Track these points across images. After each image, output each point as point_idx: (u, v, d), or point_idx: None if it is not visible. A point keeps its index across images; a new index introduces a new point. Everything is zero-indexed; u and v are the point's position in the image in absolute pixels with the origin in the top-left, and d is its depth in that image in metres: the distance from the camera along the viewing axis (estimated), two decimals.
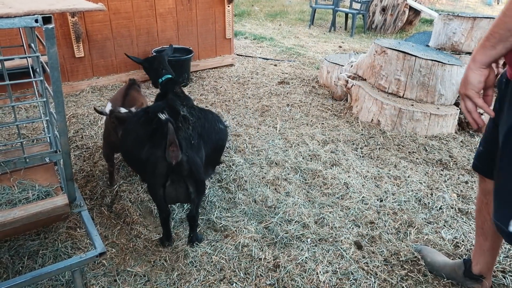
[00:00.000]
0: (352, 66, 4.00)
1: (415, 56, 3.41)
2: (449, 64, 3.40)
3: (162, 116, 1.87)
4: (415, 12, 8.45)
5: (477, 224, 1.72)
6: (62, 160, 1.60)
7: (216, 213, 2.29)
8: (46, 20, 1.26)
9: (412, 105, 3.42)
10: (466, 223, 2.31)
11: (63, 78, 4.01)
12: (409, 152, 3.11)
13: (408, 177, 2.75)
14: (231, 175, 2.67)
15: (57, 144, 1.68)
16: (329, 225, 2.21)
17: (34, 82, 1.79)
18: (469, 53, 4.04)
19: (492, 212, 1.37)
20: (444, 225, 2.27)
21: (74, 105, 3.70)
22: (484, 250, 1.72)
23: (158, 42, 4.49)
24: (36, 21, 1.23)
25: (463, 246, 2.09)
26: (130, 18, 4.25)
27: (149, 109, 2.08)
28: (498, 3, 12.81)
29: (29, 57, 1.47)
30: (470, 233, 2.22)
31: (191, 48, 4.53)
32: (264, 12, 10.21)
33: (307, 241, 2.08)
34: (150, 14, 4.37)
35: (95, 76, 4.23)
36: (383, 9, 8.43)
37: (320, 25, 9.10)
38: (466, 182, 2.75)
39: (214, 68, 5.02)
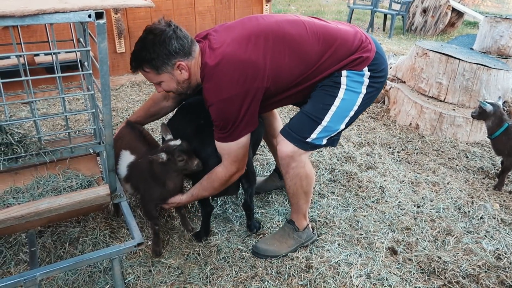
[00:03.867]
0: (391, 68, 3.91)
1: (459, 59, 3.29)
2: (495, 69, 3.26)
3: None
4: (458, 14, 8.16)
5: None
6: (105, 151, 1.65)
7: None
8: (98, 15, 1.30)
9: (454, 109, 3.30)
10: (509, 234, 2.21)
11: None
12: (448, 158, 3.01)
13: (448, 184, 2.66)
14: (264, 173, 2.67)
15: (101, 135, 1.73)
16: (363, 229, 2.17)
17: (81, 75, 1.86)
18: None
19: None
20: (485, 236, 2.18)
21: (114, 99, 3.81)
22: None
23: None
24: (89, 16, 1.28)
25: (506, 258, 2.00)
26: (170, 15, 4.32)
27: (191, 104, 2.11)
28: None
29: (79, 51, 1.52)
30: None
31: None
32: (300, 12, 10.15)
33: (340, 244, 2.06)
34: (190, 12, 4.44)
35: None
36: (424, 11, 8.19)
37: (357, 26, 8.94)
38: (510, 192, 2.63)
39: None
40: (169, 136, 1.90)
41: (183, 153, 1.77)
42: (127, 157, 1.97)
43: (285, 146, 1.78)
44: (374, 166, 2.82)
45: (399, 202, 2.43)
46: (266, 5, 4.92)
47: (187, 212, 2.26)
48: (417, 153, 3.05)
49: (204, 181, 1.86)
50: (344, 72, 1.72)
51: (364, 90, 1.76)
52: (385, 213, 2.31)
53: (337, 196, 2.46)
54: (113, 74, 4.23)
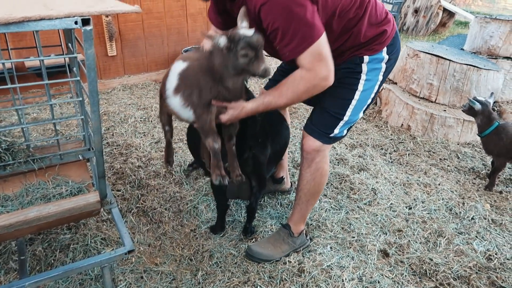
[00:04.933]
0: None
1: (449, 60, 3.31)
2: (485, 69, 3.29)
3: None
4: (449, 14, 8.21)
5: None
6: (95, 157, 1.64)
7: (243, 214, 2.30)
8: (85, 22, 1.29)
9: (445, 110, 3.32)
10: (499, 235, 2.23)
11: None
12: (440, 159, 3.03)
13: (439, 184, 2.68)
14: None
15: (91, 142, 1.72)
16: (355, 231, 2.18)
17: (70, 81, 1.85)
18: (507, 58, 3.90)
19: None
20: (476, 236, 2.19)
21: (105, 103, 3.79)
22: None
23: (188, 42, 4.54)
24: (76, 23, 1.26)
25: (496, 259, 2.02)
26: (162, 18, 4.31)
27: None
28: None
29: (66, 57, 1.51)
30: (504, 245, 2.14)
31: None
32: None
33: (333, 247, 2.06)
34: (181, 14, 4.42)
35: (126, 75, 4.32)
36: (416, 11, 8.23)
37: None
38: (500, 192, 2.65)
39: None
40: (244, 24, 1.47)
41: (249, 47, 1.37)
42: (178, 67, 1.62)
43: (311, 141, 1.80)
44: (366, 167, 2.83)
45: (391, 204, 2.44)
46: None
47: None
48: (408, 154, 3.07)
49: (283, 86, 1.54)
50: (366, 58, 1.67)
51: (381, 77, 1.76)
52: (377, 215, 2.32)
53: (329, 198, 2.46)
54: (105, 77, 4.20)
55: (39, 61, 1.53)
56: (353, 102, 1.73)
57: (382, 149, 3.13)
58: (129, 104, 3.75)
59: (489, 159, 2.97)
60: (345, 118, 1.75)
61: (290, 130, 2.28)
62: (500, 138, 2.53)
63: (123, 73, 4.31)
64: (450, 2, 8.19)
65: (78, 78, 1.58)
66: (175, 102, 1.60)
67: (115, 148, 2.95)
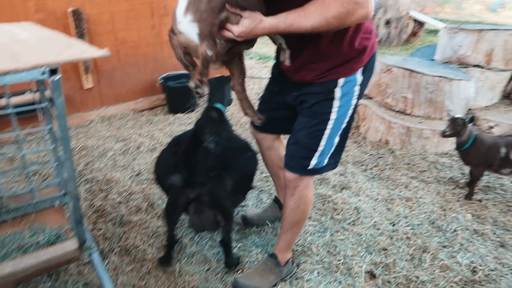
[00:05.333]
0: None
1: (421, 73, 3.39)
2: (457, 80, 3.38)
3: (175, 181, 1.90)
4: (419, 23, 8.44)
5: None
6: (71, 203, 1.61)
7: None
8: (53, 71, 1.28)
9: (421, 122, 3.39)
10: (482, 245, 2.26)
11: (72, 109, 4.08)
12: (419, 171, 3.07)
13: (420, 198, 2.71)
14: (241, 204, 2.66)
15: (66, 186, 1.70)
16: (341, 254, 2.18)
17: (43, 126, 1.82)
18: (477, 66, 4.01)
19: None
20: (460, 249, 2.22)
21: (83, 136, 3.75)
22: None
23: (165, 69, 4.55)
24: (44, 73, 1.26)
25: (481, 271, 2.04)
26: (137, 47, 4.32)
27: (181, 138, 2.16)
28: (503, 10, 12.74)
29: (36, 108, 1.49)
30: (487, 256, 2.17)
31: None
32: None
33: (319, 272, 2.05)
34: (157, 41, 4.44)
35: (104, 106, 4.29)
36: (387, 22, 8.44)
37: None
38: (480, 201, 2.70)
39: None
40: None
41: None
42: None
43: (290, 173, 1.82)
44: (348, 186, 2.85)
45: (375, 221, 2.45)
46: None
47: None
48: (389, 168, 3.11)
49: (311, 6, 1.33)
50: (340, 81, 1.62)
51: (354, 101, 1.71)
52: (361, 235, 2.33)
53: (314, 221, 2.47)
54: (82, 110, 4.16)
55: (10, 113, 1.51)
56: (326, 131, 1.71)
57: (362, 165, 3.17)
58: (108, 137, 3.71)
59: (466, 168, 3.03)
60: (320, 148, 1.74)
61: (257, 159, 2.28)
62: (477, 149, 2.58)
63: (100, 104, 4.28)
64: (420, 12, 8.43)
65: (50, 125, 1.56)
66: (185, 24, 1.43)
67: (95, 184, 2.90)
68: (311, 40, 1.55)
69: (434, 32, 9.35)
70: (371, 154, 3.32)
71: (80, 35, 3.86)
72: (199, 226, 2.02)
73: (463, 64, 4.08)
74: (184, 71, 4.54)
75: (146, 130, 3.86)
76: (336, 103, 1.68)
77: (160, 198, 2.71)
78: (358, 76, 1.66)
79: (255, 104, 1.97)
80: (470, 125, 2.59)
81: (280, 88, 1.91)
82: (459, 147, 2.65)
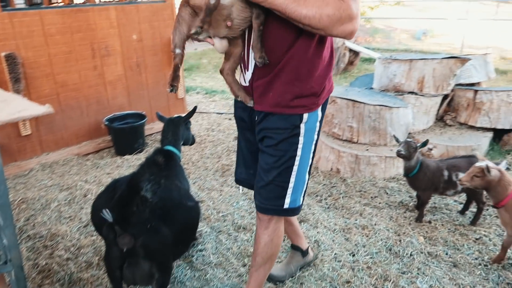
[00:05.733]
0: None
1: (363, 103, 3.57)
2: (396, 107, 3.59)
3: (107, 217, 1.77)
4: (355, 53, 8.97)
5: None
6: (13, 272, 1.46)
7: None
8: None
9: (367, 149, 3.53)
10: (437, 267, 2.34)
11: (9, 159, 3.79)
12: (371, 197, 3.17)
13: (375, 224, 2.78)
14: (198, 247, 2.57)
15: (7, 255, 1.54)
16: None
17: None
18: (411, 92, 4.29)
19: None
20: (418, 273, 2.28)
21: (23, 187, 3.48)
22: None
23: (110, 110, 4.40)
24: None
25: None
26: (79, 89, 4.16)
27: (118, 183, 2.05)
28: (426, 37, 13.94)
29: None
30: (444, 277, 2.25)
31: (143, 113, 4.47)
32: (212, 64, 10.42)
33: None
34: (99, 82, 4.31)
35: (44, 153, 4.03)
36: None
37: None
38: (430, 222, 2.82)
39: None
40: None
41: None
42: None
43: (265, 216, 1.81)
44: (306, 218, 2.86)
45: (335, 253, 2.47)
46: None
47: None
48: (342, 197, 3.18)
49: None
50: (305, 117, 1.63)
51: (315, 136, 1.74)
52: (324, 269, 2.33)
53: (277, 259, 2.43)
54: (20, 158, 3.88)
55: None
56: (295, 168, 1.70)
57: (317, 195, 3.22)
58: (50, 186, 3.47)
59: (413, 191, 3.17)
60: (291, 185, 1.72)
61: (200, 209, 2.22)
62: (424, 174, 2.72)
63: (40, 151, 4.02)
64: (353, 42, 8.97)
65: None
66: None
67: (38, 241, 2.68)
68: (285, 55, 1.55)
69: (369, 60, 9.97)
70: (324, 184, 3.38)
71: (16, 80, 3.65)
72: (131, 279, 1.85)
73: (399, 91, 4.35)
74: (130, 111, 4.44)
75: (93, 176, 3.67)
76: (301, 140, 1.68)
77: None
78: (319, 113, 1.69)
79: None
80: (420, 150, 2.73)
81: (251, 131, 1.84)
82: (407, 173, 2.77)
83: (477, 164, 2.29)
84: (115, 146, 4.31)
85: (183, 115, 2.64)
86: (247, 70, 1.65)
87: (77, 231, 2.80)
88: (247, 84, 1.68)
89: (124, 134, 4.21)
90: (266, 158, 1.72)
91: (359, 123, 3.62)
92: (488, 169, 2.22)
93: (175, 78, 1.63)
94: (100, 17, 4.19)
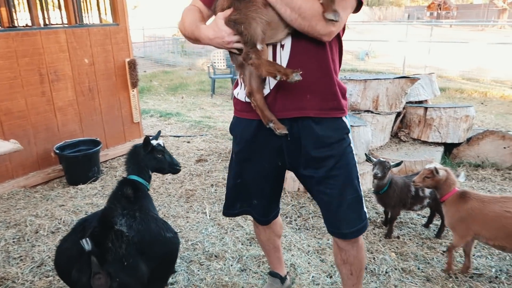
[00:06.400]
0: None
1: None
2: (356, 126, 3.68)
3: (85, 246, 1.62)
4: None
5: None
6: None
7: None
8: None
9: None
10: (412, 282, 2.37)
11: None
12: None
13: None
14: (169, 281, 2.41)
15: None
16: None
17: None
18: (367, 111, 4.44)
19: None
20: None
21: None
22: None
23: (60, 137, 4.12)
24: None
25: None
26: (25, 116, 3.86)
27: (86, 223, 1.87)
28: (369, 58, 14.73)
29: None
30: None
31: (98, 139, 4.24)
32: (164, 86, 10.25)
33: None
34: (48, 109, 4.03)
35: None
36: None
37: (221, 93, 9.39)
38: (398, 237, 2.87)
39: (124, 155, 4.73)
40: None
41: None
42: None
43: (351, 246, 1.73)
44: None
45: (313, 277, 2.42)
46: (133, 91, 4.79)
47: None
48: (312, 217, 3.16)
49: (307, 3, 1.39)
50: (345, 119, 1.62)
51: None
52: None
53: (254, 287, 2.34)
54: None
55: None
56: (358, 175, 1.67)
57: (287, 217, 3.18)
58: None
59: (380, 207, 3.23)
60: (361, 193, 1.68)
61: (179, 239, 2.08)
62: (394, 190, 2.78)
63: None
64: None
65: None
66: None
67: None
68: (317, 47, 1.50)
69: None
70: (292, 205, 3.36)
71: None
72: None
73: (355, 110, 4.49)
74: (83, 138, 4.19)
75: (43, 209, 3.38)
76: (352, 144, 1.66)
77: None
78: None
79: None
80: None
81: (257, 153, 1.71)
82: (378, 190, 2.82)
83: (427, 167, 2.48)
84: (67, 176, 4.03)
85: (155, 141, 2.50)
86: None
87: (30, 272, 2.54)
88: (268, 91, 1.55)
89: (77, 162, 3.94)
90: (334, 182, 1.61)
91: None
92: (436, 170, 2.42)
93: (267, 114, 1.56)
94: (48, 40, 3.96)
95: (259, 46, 1.41)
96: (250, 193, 1.84)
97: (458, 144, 4.39)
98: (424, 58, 10.79)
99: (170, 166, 2.49)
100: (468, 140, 4.34)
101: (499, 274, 2.42)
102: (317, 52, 1.50)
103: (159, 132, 2.61)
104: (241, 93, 1.66)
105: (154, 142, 2.44)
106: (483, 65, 10.94)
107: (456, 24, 20.10)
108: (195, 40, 1.56)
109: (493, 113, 7.00)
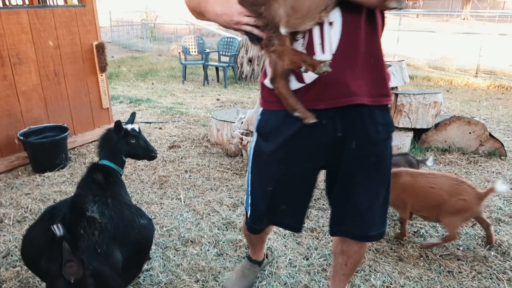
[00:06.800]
0: (242, 122, 4.07)
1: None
2: None
3: (56, 231, 1.55)
4: None
5: None
6: None
7: None
8: None
9: None
10: (386, 262, 2.43)
11: None
12: (315, 199, 3.22)
13: (323, 226, 2.82)
14: (144, 267, 2.37)
15: None
16: None
17: None
18: None
19: None
20: (370, 271, 2.34)
21: None
22: None
23: (24, 123, 3.93)
24: None
25: None
26: None
27: (55, 211, 1.79)
28: None
29: None
30: (393, 272, 2.33)
31: (65, 125, 4.07)
32: (133, 72, 9.96)
33: None
34: (10, 93, 3.82)
35: None
36: (250, 60, 8.99)
37: (193, 80, 9.24)
38: None
39: (94, 141, 4.58)
40: None
41: None
42: None
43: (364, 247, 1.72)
44: None
45: (289, 259, 2.44)
46: (102, 75, 4.62)
47: None
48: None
49: None
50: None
51: None
52: (281, 276, 2.28)
53: (231, 271, 2.33)
54: None
55: None
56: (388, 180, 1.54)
57: None
58: None
59: None
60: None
61: (154, 226, 2.03)
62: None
63: None
64: None
65: None
66: None
67: None
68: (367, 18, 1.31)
69: None
70: None
71: None
72: None
73: None
74: (49, 124, 4.01)
75: (8, 198, 3.23)
76: (391, 146, 1.51)
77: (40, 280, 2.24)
78: None
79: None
80: None
81: (298, 151, 1.46)
82: None
83: None
84: (32, 163, 3.85)
85: (130, 125, 2.42)
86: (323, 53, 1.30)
87: None
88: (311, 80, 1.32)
89: (43, 149, 3.78)
90: (371, 182, 1.48)
91: None
92: None
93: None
94: (9, 21, 3.73)
95: (283, 30, 1.22)
96: (285, 200, 1.58)
97: (427, 130, 4.52)
98: (393, 46, 11.00)
99: (145, 152, 2.42)
100: (436, 125, 4.47)
101: (466, 253, 2.53)
102: (371, 30, 1.32)
103: (133, 114, 2.53)
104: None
105: (129, 126, 2.36)
106: (448, 54, 11.29)
107: (423, 13, 20.61)
108: (200, 14, 1.39)
109: (458, 100, 7.25)
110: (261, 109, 1.55)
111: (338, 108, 1.34)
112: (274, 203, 1.57)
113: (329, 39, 1.28)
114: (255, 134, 1.58)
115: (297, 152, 1.45)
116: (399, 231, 2.69)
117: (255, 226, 1.67)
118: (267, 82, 1.45)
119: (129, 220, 1.87)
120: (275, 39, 1.22)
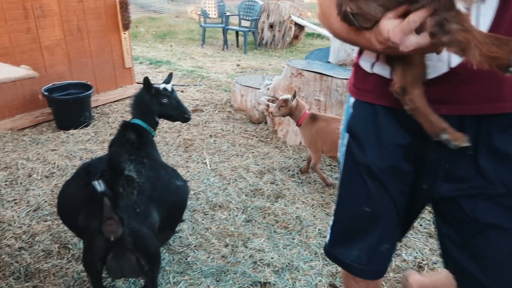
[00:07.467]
0: (268, 89, 3.97)
1: (331, 76, 3.51)
2: None
3: (98, 187, 1.51)
4: (300, 27, 8.95)
5: None
6: None
7: (171, 280, 1.99)
8: None
9: None
10: (416, 238, 2.39)
11: None
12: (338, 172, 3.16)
13: None
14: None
15: None
16: (299, 271, 2.07)
17: None
18: None
19: None
20: (401, 246, 2.31)
21: None
22: None
23: (48, 79, 3.88)
24: None
25: (426, 265, 2.15)
26: (9, 54, 3.59)
27: (90, 167, 1.76)
28: None
29: None
30: (424, 249, 2.30)
31: (88, 83, 4.02)
32: (151, 33, 9.79)
33: None
34: (34, 47, 3.76)
35: None
36: (271, 26, 8.74)
37: (212, 44, 9.06)
38: None
39: (116, 101, 4.54)
40: None
41: None
42: None
43: None
44: (282, 194, 2.77)
45: (319, 229, 2.41)
46: (124, 33, 4.51)
47: None
48: (313, 171, 3.13)
49: None
50: None
51: None
52: (311, 245, 2.26)
53: (260, 237, 2.32)
54: None
55: None
56: None
57: (289, 170, 3.13)
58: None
59: None
60: None
61: (188, 188, 1.99)
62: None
63: None
64: (298, 16, 8.92)
65: None
66: None
67: None
68: None
69: (312, 35, 10.02)
70: (294, 159, 3.31)
71: None
72: (117, 272, 1.64)
73: None
74: (72, 81, 3.95)
75: (35, 153, 3.23)
76: None
77: (75, 236, 2.25)
78: None
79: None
80: None
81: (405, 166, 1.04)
82: None
83: (280, 98, 2.90)
84: (57, 120, 3.84)
85: (163, 85, 2.34)
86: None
87: (26, 216, 2.44)
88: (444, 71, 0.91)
89: (68, 107, 3.75)
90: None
91: (326, 97, 3.57)
92: (289, 99, 2.85)
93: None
94: None
95: (459, 4, 0.75)
96: (380, 231, 1.14)
97: None
98: None
99: (179, 113, 2.36)
100: None
101: None
102: None
103: (171, 74, 2.44)
104: (378, 65, 1.05)
105: (163, 85, 2.29)
106: None
107: None
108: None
109: None
110: (352, 99, 1.15)
111: (474, 116, 0.94)
112: (367, 232, 1.16)
113: (475, 18, 0.87)
114: (345, 134, 1.18)
115: (403, 167, 1.06)
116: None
117: (345, 259, 1.23)
118: (364, 63, 1.09)
119: (165, 181, 1.84)
120: (452, 21, 0.76)
